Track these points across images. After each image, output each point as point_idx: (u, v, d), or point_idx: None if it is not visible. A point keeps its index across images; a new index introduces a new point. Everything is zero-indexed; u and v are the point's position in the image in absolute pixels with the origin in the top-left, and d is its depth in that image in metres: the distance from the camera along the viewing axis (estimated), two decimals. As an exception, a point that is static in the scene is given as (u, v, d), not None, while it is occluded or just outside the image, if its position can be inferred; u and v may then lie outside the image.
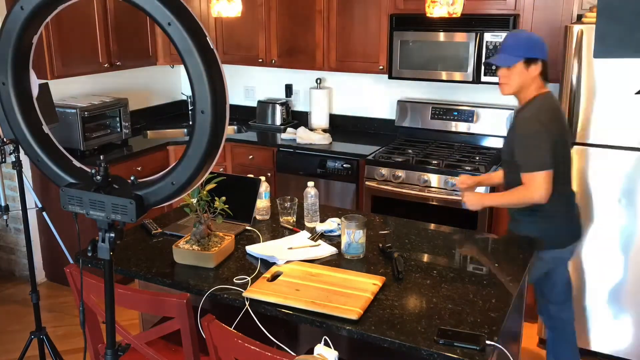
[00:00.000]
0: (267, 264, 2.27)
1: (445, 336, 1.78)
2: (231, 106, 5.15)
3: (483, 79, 3.72)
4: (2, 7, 3.82)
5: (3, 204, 3.76)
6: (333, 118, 4.66)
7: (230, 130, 4.87)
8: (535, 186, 2.46)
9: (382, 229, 2.64)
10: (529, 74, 2.51)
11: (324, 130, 4.49)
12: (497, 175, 2.91)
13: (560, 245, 2.66)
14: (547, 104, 2.55)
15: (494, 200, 2.85)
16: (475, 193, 2.82)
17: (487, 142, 4.08)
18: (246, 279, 2.15)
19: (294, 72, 4.71)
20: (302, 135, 4.22)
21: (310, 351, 2.00)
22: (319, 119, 4.61)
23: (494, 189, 3.23)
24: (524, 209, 2.60)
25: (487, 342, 1.75)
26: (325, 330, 1.90)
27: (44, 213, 3.78)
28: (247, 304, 1.99)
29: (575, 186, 3.20)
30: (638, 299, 3.17)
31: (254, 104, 5.03)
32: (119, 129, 4.19)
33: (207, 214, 2.28)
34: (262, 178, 2.73)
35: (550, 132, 2.48)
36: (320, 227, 2.57)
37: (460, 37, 3.74)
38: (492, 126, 4.05)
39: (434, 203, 3.69)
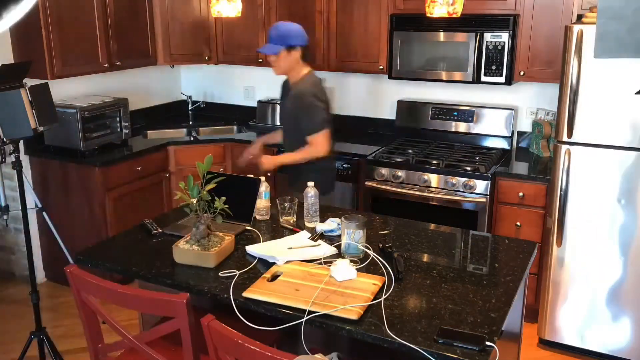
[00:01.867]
0: (266, 263, 2.27)
1: (446, 336, 1.78)
2: (231, 106, 5.18)
3: (483, 79, 3.72)
4: (2, 7, 3.81)
5: (3, 204, 3.76)
6: (333, 118, 4.65)
7: (230, 130, 4.87)
8: (321, 143, 3.14)
9: (382, 229, 2.64)
10: (291, 57, 3.14)
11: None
12: (278, 135, 3.54)
13: (327, 192, 3.26)
14: (313, 80, 3.22)
15: (286, 159, 3.27)
16: (269, 156, 3.37)
17: (487, 142, 4.09)
18: (234, 272, 2.17)
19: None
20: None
21: (311, 351, 2.00)
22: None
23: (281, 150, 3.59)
24: (306, 163, 3.18)
25: (487, 342, 1.75)
26: (325, 330, 1.90)
27: (44, 213, 3.78)
28: (231, 297, 1.99)
29: (575, 186, 3.20)
30: (638, 298, 3.17)
31: (254, 104, 5.03)
32: (119, 129, 4.18)
33: (207, 214, 2.28)
34: (262, 178, 2.73)
35: (321, 101, 3.18)
36: (320, 227, 2.57)
37: (460, 37, 3.74)
38: (492, 126, 4.05)
39: (434, 203, 3.69)
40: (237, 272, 2.19)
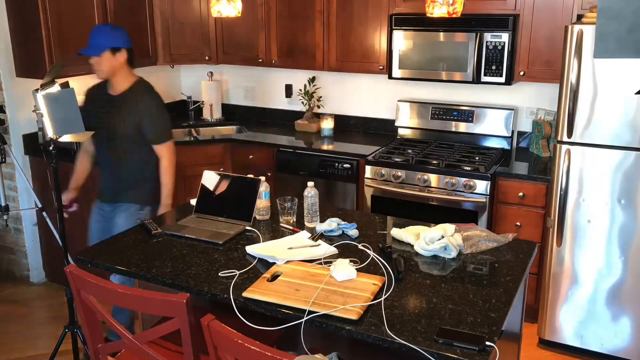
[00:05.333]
0: (266, 263, 2.27)
1: (446, 336, 1.78)
2: (231, 106, 5.18)
3: (483, 79, 3.72)
4: (2, 7, 3.82)
5: (3, 204, 3.76)
6: (335, 117, 4.66)
7: (230, 130, 4.88)
8: (172, 152, 3.13)
9: (382, 229, 2.64)
10: (116, 60, 3.02)
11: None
12: (82, 170, 3.35)
13: (156, 202, 3.21)
14: (149, 86, 3.17)
15: (169, 192, 3.22)
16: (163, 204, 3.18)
17: (487, 142, 4.09)
18: (234, 272, 2.17)
19: (293, 72, 4.71)
20: None
21: (310, 351, 2.00)
22: (319, 119, 4.61)
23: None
24: (139, 176, 3.15)
25: (487, 342, 1.75)
26: (325, 330, 1.90)
27: (44, 213, 3.78)
28: (231, 297, 1.99)
29: (575, 186, 3.21)
30: (637, 298, 3.17)
31: (254, 104, 5.04)
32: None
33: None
34: (262, 178, 2.73)
35: (165, 109, 3.15)
36: (320, 227, 2.57)
37: (460, 37, 3.74)
38: (492, 126, 4.05)
39: (434, 203, 3.69)
40: (237, 272, 2.19)
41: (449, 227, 2.40)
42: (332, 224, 2.56)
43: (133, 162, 3.14)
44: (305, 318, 1.90)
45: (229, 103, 5.16)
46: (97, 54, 3.00)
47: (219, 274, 2.19)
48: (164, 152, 3.13)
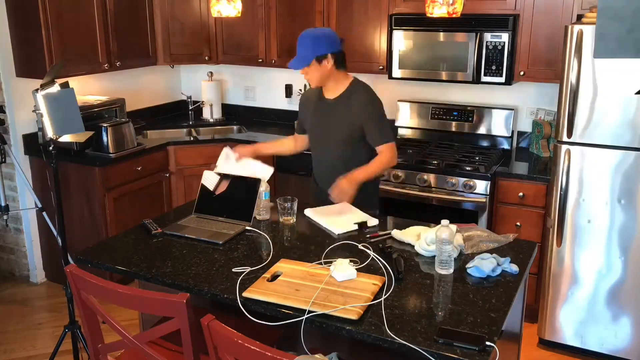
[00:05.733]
0: (266, 264, 2.26)
1: (446, 336, 1.78)
2: (231, 106, 5.18)
3: (483, 79, 3.72)
4: (2, 7, 3.82)
5: (3, 204, 3.77)
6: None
7: (230, 130, 4.88)
8: (394, 153, 2.90)
9: (382, 229, 2.64)
10: (324, 67, 2.83)
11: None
12: (274, 146, 3.40)
13: (374, 207, 3.06)
14: (367, 86, 2.97)
15: (365, 175, 2.85)
16: (344, 179, 2.77)
17: (487, 142, 4.09)
18: (247, 269, 2.18)
19: (293, 72, 4.70)
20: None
21: (310, 351, 2.00)
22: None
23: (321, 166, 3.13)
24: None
25: (487, 342, 1.75)
26: (325, 330, 1.90)
27: (44, 213, 3.79)
28: (238, 299, 1.99)
29: (575, 186, 3.21)
30: (637, 298, 3.17)
31: (254, 104, 5.04)
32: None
33: None
34: (264, 177, 2.73)
35: (383, 109, 2.97)
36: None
37: (460, 37, 3.74)
38: (492, 126, 4.05)
39: (434, 203, 3.69)
40: (249, 268, 2.21)
41: (452, 228, 2.39)
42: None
43: (352, 165, 2.88)
44: (305, 316, 1.90)
45: (229, 103, 5.16)
46: (303, 66, 2.84)
47: (232, 270, 2.20)
48: (387, 151, 2.88)
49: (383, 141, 2.87)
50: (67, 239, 3.70)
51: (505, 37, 3.61)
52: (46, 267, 4.28)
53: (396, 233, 2.50)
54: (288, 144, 3.30)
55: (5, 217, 3.86)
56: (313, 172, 3.18)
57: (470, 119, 4.10)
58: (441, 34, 3.80)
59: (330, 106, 2.95)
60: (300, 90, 4.71)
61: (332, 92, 2.94)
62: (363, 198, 2.84)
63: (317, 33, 2.89)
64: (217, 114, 5.01)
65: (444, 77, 3.88)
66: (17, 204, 4.11)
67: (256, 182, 2.70)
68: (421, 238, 2.39)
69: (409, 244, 2.44)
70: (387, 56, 4.02)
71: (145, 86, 4.93)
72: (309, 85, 2.98)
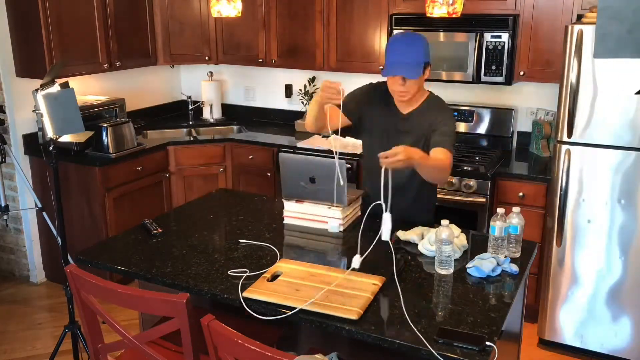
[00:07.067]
0: (266, 263, 2.26)
1: (446, 336, 1.78)
2: (231, 106, 5.18)
3: (483, 79, 3.72)
4: (2, 8, 3.82)
5: (3, 204, 3.77)
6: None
7: (230, 130, 4.88)
8: (450, 163, 2.52)
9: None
10: (424, 77, 2.55)
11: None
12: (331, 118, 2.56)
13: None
14: (444, 102, 2.69)
15: (420, 158, 2.37)
16: (403, 150, 2.26)
17: (487, 142, 4.08)
18: (245, 271, 2.17)
19: (294, 72, 4.71)
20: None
21: (311, 351, 2.00)
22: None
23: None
24: (425, 199, 2.74)
25: (487, 342, 1.75)
26: (325, 330, 1.90)
27: (44, 213, 3.79)
28: (240, 297, 1.99)
29: (575, 186, 3.21)
30: (637, 298, 3.17)
31: (254, 104, 5.04)
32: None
33: None
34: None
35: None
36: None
37: (460, 37, 3.74)
38: (492, 126, 4.05)
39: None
40: (248, 271, 2.19)
41: (454, 228, 2.39)
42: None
43: (418, 185, 2.65)
44: (300, 307, 1.89)
45: (229, 103, 5.17)
46: (420, 74, 2.47)
47: (229, 272, 2.19)
48: (444, 154, 2.49)
49: (445, 146, 2.49)
50: (67, 239, 3.70)
51: (505, 37, 3.61)
52: (46, 267, 4.28)
53: (400, 233, 2.50)
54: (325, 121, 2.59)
55: (5, 217, 3.86)
56: (365, 180, 2.92)
57: (470, 119, 4.10)
58: (441, 34, 3.80)
59: (406, 121, 2.62)
60: (300, 90, 4.71)
61: (409, 105, 2.61)
62: (420, 203, 2.67)
63: (422, 37, 2.56)
64: (217, 114, 5.02)
65: (444, 77, 3.87)
66: (17, 204, 4.11)
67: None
68: (424, 238, 2.39)
69: (415, 244, 2.44)
70: (387, 56, 4.02)
71: (145, 86, 4.93)
72: (399, 97, 2.55)
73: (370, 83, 2.78)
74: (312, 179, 2.51)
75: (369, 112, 2.69)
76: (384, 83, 2.63)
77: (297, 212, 2.65)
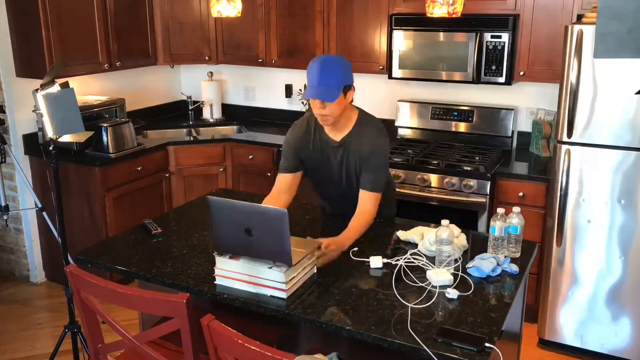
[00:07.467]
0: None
1: (445, 336, 1.78)
2: (231, 106, 5.18)
3: (483, 79, 3.72)
4: (2, 8, 3.82)
5: (3, 204, 3.77)
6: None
7: (230, 130, 4.88)
8: (376, 207, 2.54)
9: (383, 230, 2.64)
10: (346, 100, 2.49)
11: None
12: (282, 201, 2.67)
13: None
14: (376, 123, 2.63)
15: (352, 241, 2.41)
16: (332, 242, 2.29)
17: (487, 142, 4.08)
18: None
19: (293, 72, 4.71)
20: None
21: (310, 351, 2.00)
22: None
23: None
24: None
25: (487, 344, 1.75)
26: (326, 330, 1.90)
27: (44, 213, 3.79)
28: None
29: (575, 186, 3.21)
30: (637, 298, 3.17)
31: (254, 104, 5.04)
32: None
33: None
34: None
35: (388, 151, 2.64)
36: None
37: (460, 37, 3.74)
38: (492, 126, 4.05)
39: (434, 203, 3.69)
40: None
41: (454, 228, 2.39)
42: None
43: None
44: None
45: (229, 103, 5.17)
46: (336, 98, 2.40)
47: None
48: (370, 202, 2.52)
49: (373, 189, 2.52)
50: (67, 239, 3.70)
51: (505, 37, 3.61)
52: (46, 267, 4.28)
53: (400, 233, 2.50)
54: (286, 200, 2.70)
55: (5, 217, 3.86)
56: (319, 199, 2.93)
57: (470, 119, 4.10)
58: (441, 34, 3.80)
59: (338, 149, 2.61)
60: (300, 90, 4.71)
61: (339, 130, 2.59)
62: (382, 208, 2.63)
63: (341, 59, 2.51)
64: (217, 114, 5.02)
65: (444, 77, 3.87)
66: (17, 204, 4.11)
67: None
68: (424, 238, 2.39)
69: (415, 244, 2.44)
70: (387, 56, 4.02)
71: (145, 86, 4.93)
72: (321, 120, 2.53)
73: (302, 118, 2.78)
74: (248, 230, 2.00)
75: (304, 154, 2.68)
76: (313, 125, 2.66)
77: (229, 272, 2.09)
